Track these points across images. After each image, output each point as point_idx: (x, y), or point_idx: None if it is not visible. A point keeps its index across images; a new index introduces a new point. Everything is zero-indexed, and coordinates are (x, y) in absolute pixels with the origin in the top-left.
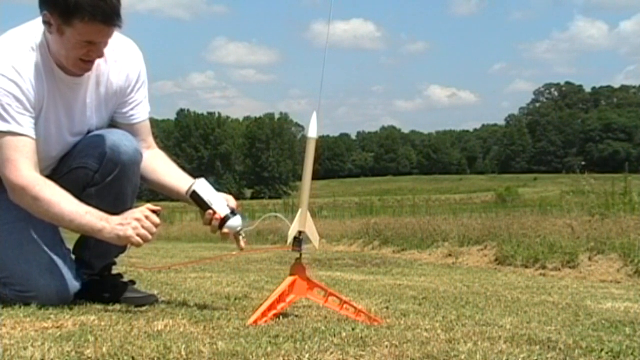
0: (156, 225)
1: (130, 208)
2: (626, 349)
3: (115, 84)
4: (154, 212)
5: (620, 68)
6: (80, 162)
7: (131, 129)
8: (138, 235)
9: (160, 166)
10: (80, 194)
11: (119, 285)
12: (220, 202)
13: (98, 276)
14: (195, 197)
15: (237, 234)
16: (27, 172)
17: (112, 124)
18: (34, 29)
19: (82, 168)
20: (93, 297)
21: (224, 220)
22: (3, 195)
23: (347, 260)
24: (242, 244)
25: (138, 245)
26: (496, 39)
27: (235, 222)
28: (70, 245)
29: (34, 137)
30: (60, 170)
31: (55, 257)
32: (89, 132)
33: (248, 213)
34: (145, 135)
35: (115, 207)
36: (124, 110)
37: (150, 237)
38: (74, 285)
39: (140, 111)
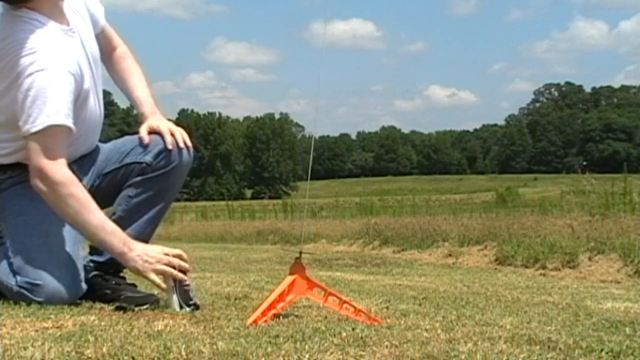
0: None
1: (163, 209)
2: (626, 349)
3: (84, 6)
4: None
5: (620, 68)
6: (135, 158)
7: (102, 36)
8: (170, 266)
9: (132, 81)
10: (121, 189)
11: (121, 284)
12: None
13: (102, 273)
14: None
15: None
16: (67, 169)
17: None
18: (26, 17)
19: (137, 163)
20: (95, 294)
21: None
22: (34, 191)
23: (347, 260)
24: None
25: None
26: (496, 39)
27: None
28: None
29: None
30: (101, 168)
31: (73, 256)
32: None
33: (248, 213)
34: (115, 38)
35: (149, 203)
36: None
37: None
38: (82, 287)
39: (101, 17)
